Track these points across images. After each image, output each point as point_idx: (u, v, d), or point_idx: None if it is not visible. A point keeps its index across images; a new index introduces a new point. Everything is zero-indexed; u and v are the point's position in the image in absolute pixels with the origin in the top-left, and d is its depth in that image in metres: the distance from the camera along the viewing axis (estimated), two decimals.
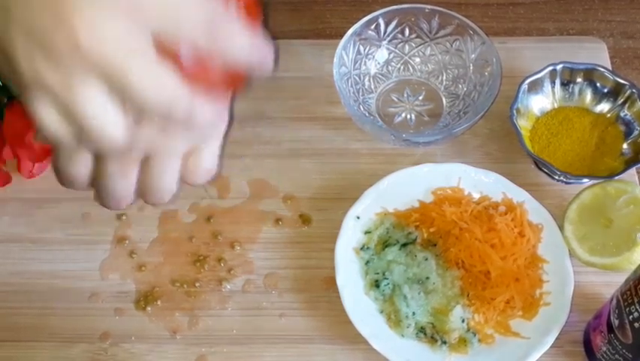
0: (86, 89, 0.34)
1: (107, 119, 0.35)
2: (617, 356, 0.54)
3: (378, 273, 0.62)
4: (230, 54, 0.36)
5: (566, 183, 0.68)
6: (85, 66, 0.33)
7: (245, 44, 0.36)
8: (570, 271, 0.61)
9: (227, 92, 0.39)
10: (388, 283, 0.61)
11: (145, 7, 0.34)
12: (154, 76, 0.34)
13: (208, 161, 0.45)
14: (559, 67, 0.70)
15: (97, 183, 0.44)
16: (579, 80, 0.70)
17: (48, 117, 0.35)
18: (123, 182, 0.44)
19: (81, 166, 0.44)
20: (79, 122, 0.35)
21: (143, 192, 0.45)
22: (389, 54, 0.75)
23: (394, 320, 0.60)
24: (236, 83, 0.40)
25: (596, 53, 0.77)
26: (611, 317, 0.53)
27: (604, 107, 0.70)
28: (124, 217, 0.67)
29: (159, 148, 0.43)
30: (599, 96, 0.70)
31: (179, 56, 0.35)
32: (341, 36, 0.70)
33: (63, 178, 0.45)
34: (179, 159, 0.45)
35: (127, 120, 0.35)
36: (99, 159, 0.43)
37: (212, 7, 0.35)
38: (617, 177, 0.64)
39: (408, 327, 0.59)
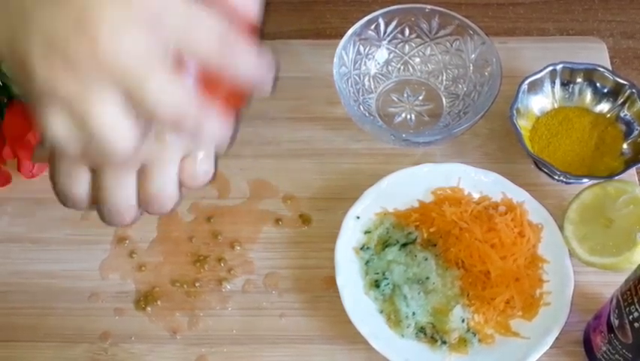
0: (103, 99, 0.34)
1: (120, 130, 0.35)
2: (617, 356, 0.54)
3: (378, 273, 0.62)
4: (238, 71, 0.37)
5: (566, 183, 0.68)
6: (103, 77, 0.34)
7: (251, 62, 0.38)
8: (570, 271, 0.61)
9: (232, 108, 0.40)
10: (388, 283, 0.61)
11: (164, 22, 0.35)
12: (170, 90, 0.35)
13: (205, 164, 0.46)
14: (559, 67, 0.70)
15: (98, 200, 0.46)
16: (579, 80, 0.70)
17: (59, 127, 0.36)
18: (123, 193, 0.45)
19: (80, 183, 0.45)
20: (91, 132, 0.35)
21: (145, 202, 0.46)
22: (389, 54, 0.75)
23: (394, 319, 0.60)
24: (240, 100, 0.41)
25: (596, 53, 0.76)
26: (611, 317, 0.53)
27: (604, 107, 0.70)
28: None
29: (157, 156, 0.44)
30: (599, 96, 0.70)
31: (193, 70, 0.36)
32: (341, 36, 0.70)
33: (64, 198, 0.47)
34: (177, 165, 0.45)
35: (137, 132, 0.36)
36: (97, 174, 0.44)
37: (224, 24, 0.36)
38: (617, 177, 0.64)
39: (408, 327, 0.59)
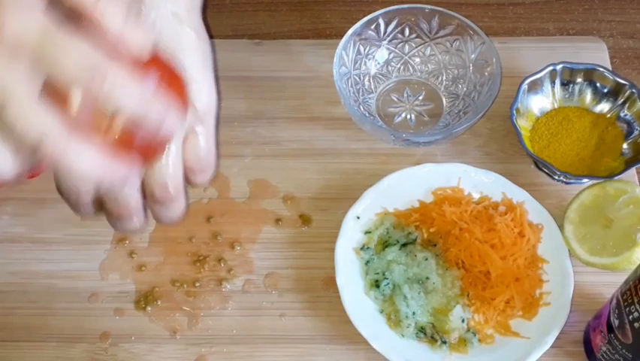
0: None
1: None
2: (617, 356, 0.54)
3: (378, 273, 0.62)
4: (115, 102, 0.35)
5: (566, 183, 0.68)
6: None
7: (133, 94, 0.35)
8: (570, 271, 0.61)
9: (134, 153, 0.38)
10: (388, 283, 0.61)
11: (29, 50, 0.34)
12: (30, 114, 0.34)
13: (205, 143, 0.47)
14: (559, 67, 0.70)
15: (105, 201, 0.45)
16: (579, 80, 0.70)
17: None
18: (129, 193, 0.44)
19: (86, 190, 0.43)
20: None
21: (154, 197, 0.45)
22: (389, 54, 0.75)
23: (394, 320, 0.60)
24: (146, 149, 0.39)
25: (596, 53, 0.77)
26: (611, 317, 0.53)
27: (604, 107, 0.70)
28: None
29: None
30: (599, 96, 0.70)
31: (69, 100, 0.35)
32: (341, 36, 0.70)
33: (70, 206, 0.45)
34: (180, 147, 0.45)
35: (16, 157, 0.35)
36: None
37: (98, 54, 0.35)
38: (617, 177, 0.64)
39: (408, 327, 0.59)
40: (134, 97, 0.35)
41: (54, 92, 0.34)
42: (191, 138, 0.47)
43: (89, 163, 0.35)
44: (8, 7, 0.34)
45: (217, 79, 0.49)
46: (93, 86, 0.35)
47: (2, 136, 0.35)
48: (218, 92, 0.49)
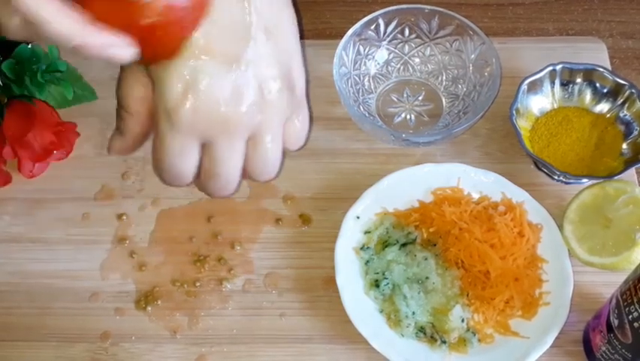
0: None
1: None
2: (616, 355, 0.54)
3: (378, 273, 0.62)
4: None
5: (566, 183, 0.68)
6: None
7: None
8: (570, 271, 0.61)
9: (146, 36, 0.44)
10: (388, 283, 0.61)
11: None
12: (57, 14, 0.40)
13: (301, 128, 0.53)
14: (558, 67, 0.70)
15: (209, 173, 0.50)
16: (579, 80, 0.70)
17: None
18: (234, 162, 0.50)
19: (191, 159, 0.49)
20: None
21: (253, 169, 0.51)
22: (389, 54, 0.75)
23: (394, 319, 0.60)
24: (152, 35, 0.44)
25: (596, 53, 0.77)
26: (611, 317, 0.53)
27: (603, 107, 0.70)
28: (124, 217, 0.67)
29: (264, 122, 0.49)
30: (599, 96, 0.70)
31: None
32: (341, 36, 0.70)
33: (172, 176, 0.51)
34: (282, 128, 0.51)
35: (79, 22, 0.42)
36: (209, 147, 0.49)
37: None
38: (616, 177, 0.64)
39: (408, 327, 0.59)
40: None
41: None
42: (290, 122, 0.52)
43: (96, 42, 0.42)
44: None
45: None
46: None
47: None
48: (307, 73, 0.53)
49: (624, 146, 0.68)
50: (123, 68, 0.51)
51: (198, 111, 0.46)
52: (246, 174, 0.52)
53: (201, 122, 0.47)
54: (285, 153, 0.53)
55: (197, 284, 0.64)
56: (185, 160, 0.49)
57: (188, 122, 0.47)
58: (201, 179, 0.52)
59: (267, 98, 0.49)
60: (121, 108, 0.52)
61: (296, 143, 0.54)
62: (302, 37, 0.80)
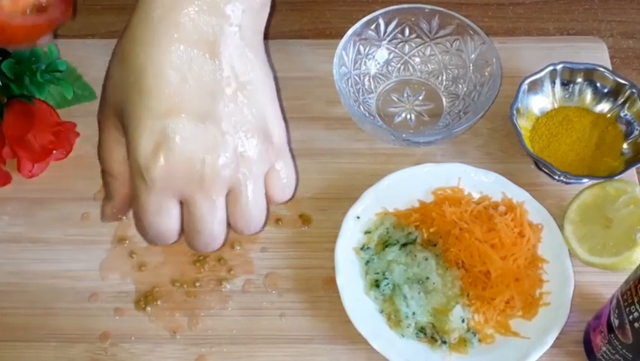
0: None
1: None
2: (617, 356, 0.54)
3: (378, 273, 0.62)
4: None
5: (566, 183, 0.68)
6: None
7: None
8: (570, 271, 0.61)
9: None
10: (388, 283, 0.61)
11: None
12: None
13: (285, 177, 0.52)
14: (559, 67, 0.70)
15: (192, 229, 0.50)
16: (579, 80, 0.70)
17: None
18: (217, 218, 0.50)
19: (171, 217, 0.49)
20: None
21: (237, 223, 0.51)
22: (389, 54, 0.75)
23: (394, 320, 0.60)
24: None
25: (596, 53, 0.77)
26: (611, 317, 0.53)
27: (604, 107, 0.70)
28: (123, 217, 0.67)
29: (244, 175, 0.49)
30: (599, 96, 0.70)
31: None
32: (341, 36, 0.70)
33: (154, 236, 0.51)
34: (263, 179, 0.51)
35: None
36: (188, 205, 0.49)
37: None
38: (617, 177, 0.64)
39: (408, 327, 0.59)
40: None
41: None
42: (271, 173, 0.51)
43: None
44: None
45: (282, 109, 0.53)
46: None
47: None
48: (285, 121, 0.52)
49: (625, 146, 0.68)
50: (101, 129, 0.51)
51: (172, 168, 0.47)
52: (234, 229, 0.52)
53: (176, 180, 0.47)
54: (270, 206, 0.53)
55: (197, 284, 0.64)
56: (164, 219, 0.49)
57: (162, 179, 0.47)
58: (185, 236, 0.52)
59: (241, 151, 0.48)
60: (104, 173, 0.53)
61: (281, 194, 0.53)
62: (302, 37, 0.81)
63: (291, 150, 0.54)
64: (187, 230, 0.51)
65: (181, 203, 0.49)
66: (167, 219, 0.49)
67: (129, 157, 0.48)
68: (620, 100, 0.69)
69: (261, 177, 0.51)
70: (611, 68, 0.74)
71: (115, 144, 0.50)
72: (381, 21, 0.72)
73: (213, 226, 0.50)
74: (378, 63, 0.75)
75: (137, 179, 0.48)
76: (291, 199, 0.55)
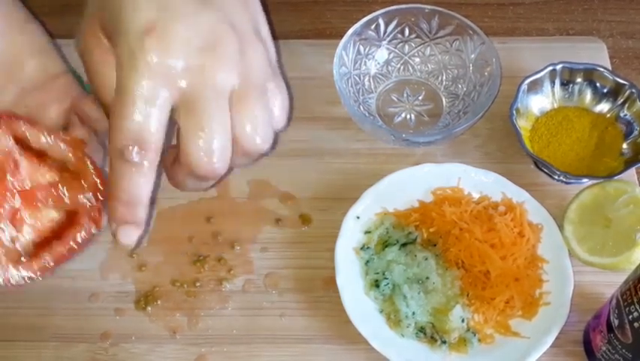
0: None
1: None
2: (616, 355, 0.54)
3: (378, 273, 0.62)
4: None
5: (566, 183, 0.68)
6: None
7: None
8: (570, 271, 0.61)
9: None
10: (388, 283, 0.61)
11: None
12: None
13: (281, 100, 0.47)
14: (558, 67, 0.70)
15: (186, 140, 0.43)
16: (579, 80, 0.70)
17: None
18: (221, 121, 0.43)
19: (162, 110, 0.42)
20: None
21: (241, 134, 0.44)
22: (389, 54, 0.75)
23: (394, 319, 0.60)
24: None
25: (596, 53, 0.77)
26: (611, 317, 0.53)
27: (604, 107, 0.70)
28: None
29: (246, 78, 0.44)
30: (599, 96, 0.70)
31: None
32: (341, 36, 0.70)
33: (133, 130, 0.42)
34: (265, 91, 0.46)
35: None
36: (186, 102, 0.42)
37: None
38: (616, 177, 0.64)
39: (408, 327, 0.59)
40: None
41: None
42: (270, 93, 0.47)
43: None
44: None
45: None
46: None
47: None
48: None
49: (624, 146, 0.68)
50: (87, 57, 0.46)
51: (168, 50, 0.40)
52: (238, 149, 0.45)
53: (172, 65, 0.40)
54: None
55: (197, 284, 0.64)
56: (154, 111, 0.41)
57: (156, 61, 0.40)
58: (181, 154, 0.43)
59: (245, 49, 0.43)
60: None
61: (280, 117, 0.47)
62: (302, 37, 0.81)
63: (282, 72, 0.51)
64: (183, 145, 0.43)
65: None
66: (158, 112, 0.41)
67: (119, 43, 0.41)
68: (620, 100, 0.69)
69: (264, 86, 0.45)
70: (610, 68, 0.74)
71: (105, 66, 0.44)
72: (381, 21, 0.72)
73: (220, 128, 0.42)
74: (378, 63, 0.75)
75: (125, 64, 0.40)
76: (285, 127, 0.50)
